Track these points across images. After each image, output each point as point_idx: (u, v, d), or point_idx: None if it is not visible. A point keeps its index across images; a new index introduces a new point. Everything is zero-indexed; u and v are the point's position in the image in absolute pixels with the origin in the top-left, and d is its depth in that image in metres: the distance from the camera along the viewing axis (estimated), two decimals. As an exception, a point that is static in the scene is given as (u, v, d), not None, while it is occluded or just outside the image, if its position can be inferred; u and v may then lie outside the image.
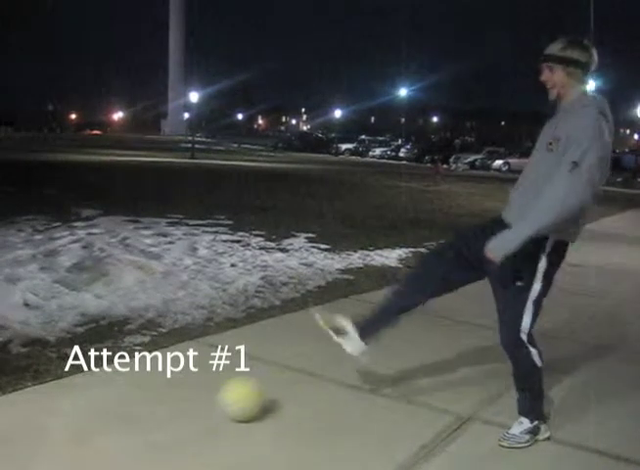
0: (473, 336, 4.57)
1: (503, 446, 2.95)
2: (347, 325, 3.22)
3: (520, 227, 2.76)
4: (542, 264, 2.86)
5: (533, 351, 2.95)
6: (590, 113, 2.77)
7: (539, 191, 2.77)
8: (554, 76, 2.86)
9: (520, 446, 2.95)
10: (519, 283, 2.86)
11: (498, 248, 2.76)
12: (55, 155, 23.66)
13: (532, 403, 3.03)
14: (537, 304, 2.91)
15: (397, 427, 3.11)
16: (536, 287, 2.87)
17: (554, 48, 2.86)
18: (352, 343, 3.21)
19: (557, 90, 2.88)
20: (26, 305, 4.64)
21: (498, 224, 2.97)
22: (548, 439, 3.03)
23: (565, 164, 2.69)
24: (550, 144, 2.81)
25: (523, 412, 3.03)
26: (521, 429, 2.99)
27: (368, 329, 3.22)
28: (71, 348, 3.88)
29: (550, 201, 2.70)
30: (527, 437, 2.97)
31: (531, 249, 2.79)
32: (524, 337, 2.93)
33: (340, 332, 3.23)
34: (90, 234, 7.43)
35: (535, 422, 3.00)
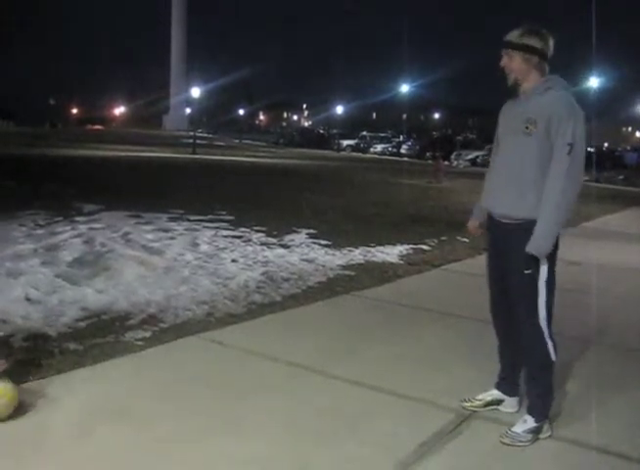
0: (470, 330, 4.57)
1: (504, 444, 2.95)
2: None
3: (546, 223, 2.86)
4: None
5: (550, 342, 2.99)
6: (559, 92, 2.94)
7: (526, 173, 2.92)
8: (512, 63, 3.00)
9: (521, 444, 2.95)
10: (527, 271, 2.93)
11: (540, 248, 2.87)
12: (56, 149, 23.64)
13: (541, 402, 3.04)
14: (549, 285, 2.97)
15: (398, 424, 3.11)
16: (544, 269, 2.95)
17: (512, 35, 2.99)
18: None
19: (514, 76, 3.02)
20: (28, 299, 4.64)
21: (496, 227, 3.09)
22: (549, 437, 3.04)
23: (561, 148, 2.84)
24: (527, 128, 2.93)
25: (530, 411, 3.04)
26: (524, 428, 2.99)
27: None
28: (73, 342, 3.89)
29: (563, 185, 2.83)
30: (530, 436, 2.98)
31: (529, 236, 2.90)
32: (542, 324, 2.97)
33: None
34: (91, 229, 7.43)
35: (540, 422, 3.01)
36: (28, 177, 12.80)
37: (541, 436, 3.01)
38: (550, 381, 3.05)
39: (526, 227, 2.91)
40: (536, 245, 2.87)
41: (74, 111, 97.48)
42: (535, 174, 2.91)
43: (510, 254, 3.00)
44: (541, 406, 3.03)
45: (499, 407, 3.28)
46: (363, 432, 3.00)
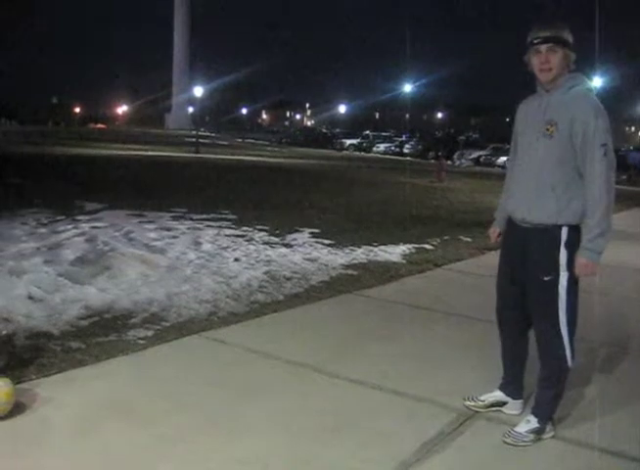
0: (473, 330, 4.57)
1: (507, 443, 2.94)
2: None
3: (595, 229, 2.79)
4: (563, 254, 2.89)
5: (569, 349, 2.94)
6: (583, 91, 2.87)
7: (545, 176, 2.86)
8: (555, 58, 2.87)
9: (523, 444, 2.94)
10: (546, 278, 2.89)
11: (593, 258, 2.81)
12: (59, 148, 23.66)
13: (549, 405, 3.02)
14: (571, 293, 2.91)
15: (400, 423, 3.10)
16: (564, 276, 2.89)
17: (556, 31, 2.87)
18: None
19: (555, 72, 2.89)
20: (30, 298, 4.64)
21: (515, 230, 3.02)
22: (552, 437, 3.03)
23: (596, 149, 2.77)
24: (547, 130, 2.85)
25: (536, 412, 3.02)
26: (527, 428, 2.98)
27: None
28: (75, 341, 3.89)
29: (608, 187, 2.78)
30: (532, 436, 2.97)
31: (548, 242, 2.87)
32: (563, 329, 2.92)
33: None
34: (94, 228, 7.43)
35: (543, 423, 3.00)
36: (31, 176, 12.81)
37: (544, 436, 3.00)
38: (562, 386, 3.02)
39: (544, 231, 2.87)
40: (586, 259, 2.81)
41: (77, 110, 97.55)
42: (554, 177, 2.85)
43: (528, 258, 2.94)
44: (547, 409, 3.02)
45: (502, 409, 3.26)
46: (365, 431, 3.00)
